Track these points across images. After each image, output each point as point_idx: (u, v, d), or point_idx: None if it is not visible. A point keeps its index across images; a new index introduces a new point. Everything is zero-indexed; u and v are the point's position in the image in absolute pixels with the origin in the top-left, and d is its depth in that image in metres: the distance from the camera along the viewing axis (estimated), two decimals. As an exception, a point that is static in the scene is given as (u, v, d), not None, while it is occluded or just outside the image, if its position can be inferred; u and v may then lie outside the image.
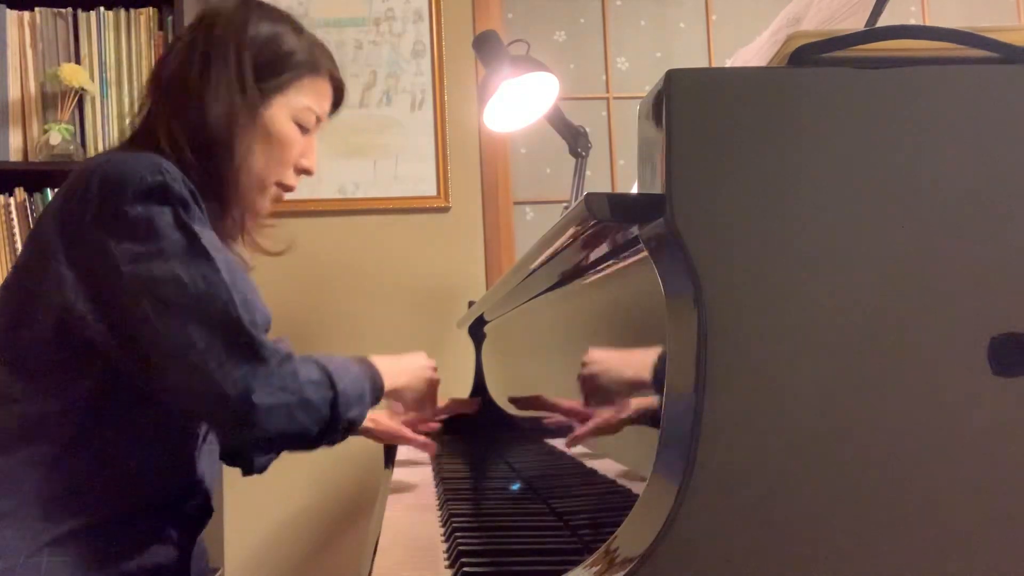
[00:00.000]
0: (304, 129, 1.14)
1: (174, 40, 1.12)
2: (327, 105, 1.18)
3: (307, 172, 1.18)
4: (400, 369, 1.25)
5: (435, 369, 1.35)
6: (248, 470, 1.25)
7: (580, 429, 0.90)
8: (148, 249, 0.93)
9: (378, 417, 1.54)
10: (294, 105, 1.12)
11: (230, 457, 1.24)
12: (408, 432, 1.41)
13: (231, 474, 2.18)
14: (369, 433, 1.45)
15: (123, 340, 0.95)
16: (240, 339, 0.94)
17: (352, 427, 1.06)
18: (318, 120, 1.16)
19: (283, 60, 1.11)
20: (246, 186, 1.10)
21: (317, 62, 1.14)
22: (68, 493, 0.94)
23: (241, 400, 0.93)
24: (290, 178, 1.16)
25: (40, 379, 0.96)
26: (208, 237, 0.97)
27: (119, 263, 0.93)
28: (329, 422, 1.01)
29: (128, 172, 0.95)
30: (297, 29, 1.14)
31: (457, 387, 1.89)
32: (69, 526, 0.93)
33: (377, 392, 1.13)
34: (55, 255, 0.95)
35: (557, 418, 1.02)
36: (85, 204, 0.95)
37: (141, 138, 1.08)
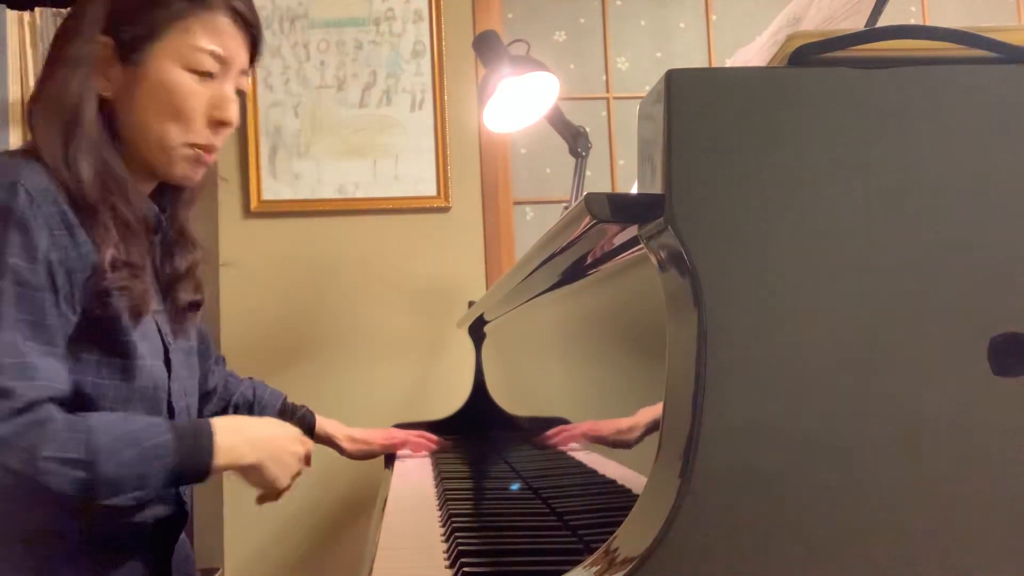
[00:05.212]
0: (204, 75, 0.99)
1: None
2: (230, 42, 1.02)
3: (224, 124, 1.02)
4: (254, 442, 1.01)
5: (307, 452, 1.11)
6: None
7: (583, 435, 0.90)
8: None
9: (356, 433, 1.52)
10: (179, 49, 0.98)
11: None
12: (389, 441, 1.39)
13: (231, 475, 2.18)
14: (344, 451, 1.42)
15: None
16: None
17: (138, 500, 0.92)
18: (223, 62, 1.01)
19: (156, 5, 0.98)
20: (147, 151, 0.99)
21: None
22: (24, 528, 0.91)
23: None
24: (202, 135, 1.01)
25: None
26: (24, 278, 0.86)
27: None
28: (89, 498, 0.87)
29: None
30: None
31: (457, 387, 1.89)
32: (35, 560, 0.90)
33: (193, 470, 0.94)
34: None
35: (563, 427, 1.02)
36: None
37: (31, 137, 0.99)
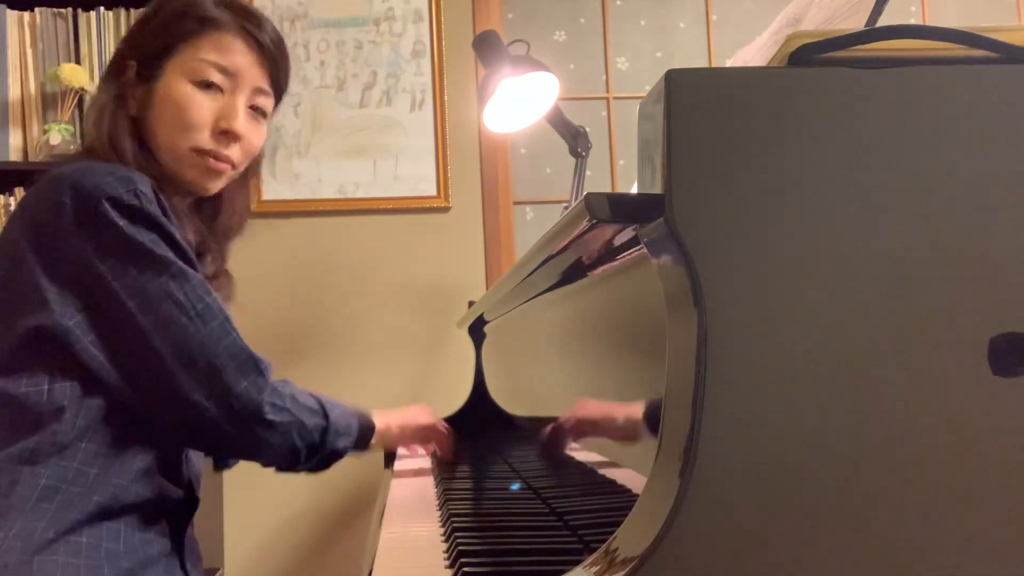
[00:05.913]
0: (209, 86, 1.06)
1: None
2: (239, 59, 1.08)
3: (227, 135, 1.07)
4: (400, 422, 1.29)
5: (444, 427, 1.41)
6: (220, 466, 1.23)
7: (582, 430, 0.90)
8: (137, 266, 0.94)
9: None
10: (186, 64, 1.06)
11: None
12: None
13: (231, 474, 2.18)
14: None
15: (113, 356, 0.94)
16: (242, 355, 0.97)
17: (335, 458, 1.10)
18: (231, 76, 1.07)
19: (170, 26, 1.07)
20: (164, 161, 1.07)
21: (212, 18, 1.07)
22: (55, 496, 0.91)
23: (250, 415, 0.96)
24: (206, 142, 1.06)
25: (14, 382, 0.93)
26: (183, 261, 0.97)
27: (108, 278, 0.93)
28: (317, 449, 1.05)
29: (101, 185, 0.93)
30: None
31: (457, 387, 1.89)
32: (58, 528, 0.90)
33: (366, 432, 1.16)
34: (31, 269, 0.93)
35: (562, 426, 1.02)
36: (59, 216, 0.93)
37: (93, 143, 1.08)
